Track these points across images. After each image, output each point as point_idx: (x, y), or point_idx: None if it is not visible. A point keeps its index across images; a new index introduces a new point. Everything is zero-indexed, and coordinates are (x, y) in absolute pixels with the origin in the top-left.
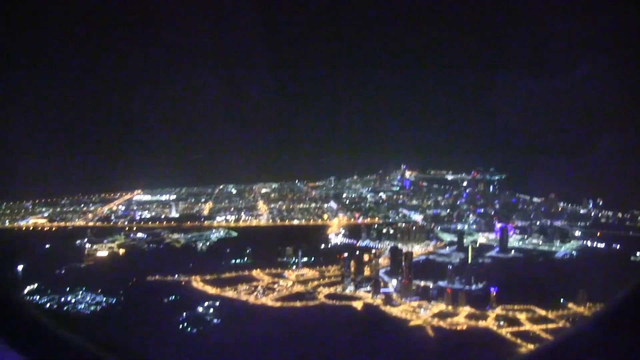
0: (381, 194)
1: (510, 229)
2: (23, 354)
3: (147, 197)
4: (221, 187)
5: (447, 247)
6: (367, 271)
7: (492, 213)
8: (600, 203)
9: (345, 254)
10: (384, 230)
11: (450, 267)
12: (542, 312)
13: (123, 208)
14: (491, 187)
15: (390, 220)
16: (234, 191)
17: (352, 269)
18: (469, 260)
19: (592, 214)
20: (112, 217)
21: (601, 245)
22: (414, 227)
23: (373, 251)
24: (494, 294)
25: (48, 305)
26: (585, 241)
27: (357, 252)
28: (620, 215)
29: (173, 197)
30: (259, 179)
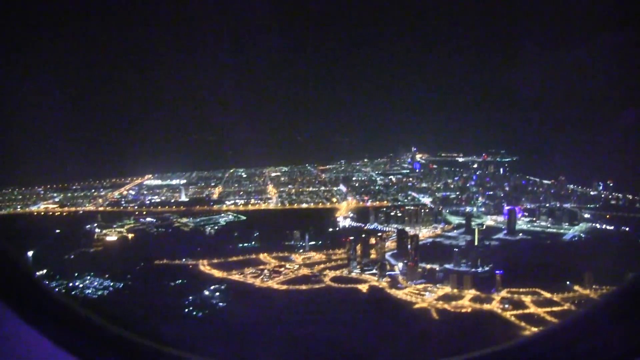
0: (391, 176)
1: (518, 212)
2: (43, 331)
3: (158, 182)
4: (231, 171)
5: (455, 230)
6: (373, 254)
7: (501, 195)
8: (611, 185)
9: (351, 237)
10: (392, 213)
11: (457, 249)
12: (548, 295)
13: (133, 193)
14: (501, 170)
15: (399, 203)
16: (244, 175)
17: (359, 252)
18: (476, 243)
19: (602, 196)
20: (122, 202)
21: (610, 227)
22: (422, 210)
23: (380, 234)
24: (499, 276)
25: (56, 290)
26: (594, 223)
27: (364, 235)
28: (630, 197)
29: (183, 181)
30: (270, 162)
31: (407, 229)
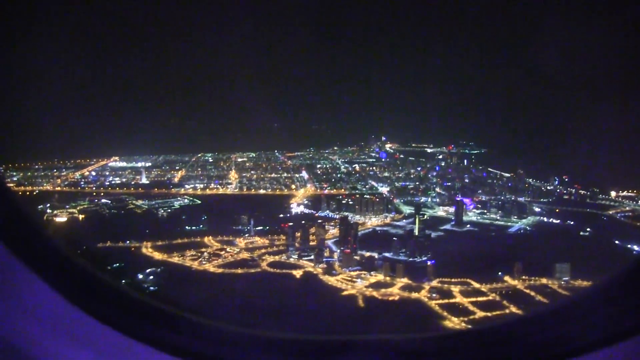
0: (356, 165)
1: (470, 204)
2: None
3: (122, 164)
4: (199, 155)
5: (404, 220)
6: (313, 241)
7: (458, 187)
8: (566, 180)
9: (291, 224)
10: (344, 201)
11: (395, 239)
12: (477, 285)
13: (94, 174)
14: (465, 161)
15: (357, 191)
16: (210, 160)
17: (299, 238)
18: (416, 233)
19: (558, 190)
20: (82, 183)
21: (557, 221)
22: (378, 199)
23: (321, 221)
24: (431, 266)
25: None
26: (542, 217)
27: (305, 222)
28: (582, 192)
29: (148, 164)
30: (240, 148)
31: (358, 217)
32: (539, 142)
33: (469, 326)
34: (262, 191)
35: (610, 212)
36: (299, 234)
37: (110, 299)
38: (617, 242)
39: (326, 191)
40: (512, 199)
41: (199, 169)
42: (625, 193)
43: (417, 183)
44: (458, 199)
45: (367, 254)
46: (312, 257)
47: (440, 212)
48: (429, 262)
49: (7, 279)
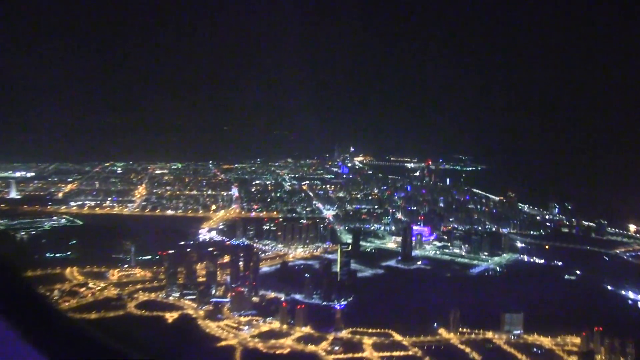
0: (307, 182)
1: (429, 234)
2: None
3: None
4: (107, 164)
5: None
6: (203, 275)
7: (425, 212)
8: (569, 208)
9: (172, 251)
10: (266, 228)
11: (308, 277)
12: (398, 338)
13: None
14: (448, 180)
15: (294, 215)
16: (119, 170)
17: (183, 272)
18: (337, 270)
19: (556, 219)
20: None
21: (540, 260)
22: (317, 225)
23: (213, 251)
24: (342, 312)
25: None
26: (523, 254)
27: (192, 252)
28: (585, 224)
29: (30, 174)
30: (165, 157)
31: (280, 246)
32: (544, 159)
33: None
34: (169, 212)
35: (618, 251)
36: (183, 267)
37: None
38: (609, 287)
39: (253, 214)
40: (490, 229)
41: (98, 182)
42: None
43: (376, 206)
44: (414, 227)
45: (272, 294)
46: (196, 296)
47: (391, 243)
48: (338, 307)
49: None
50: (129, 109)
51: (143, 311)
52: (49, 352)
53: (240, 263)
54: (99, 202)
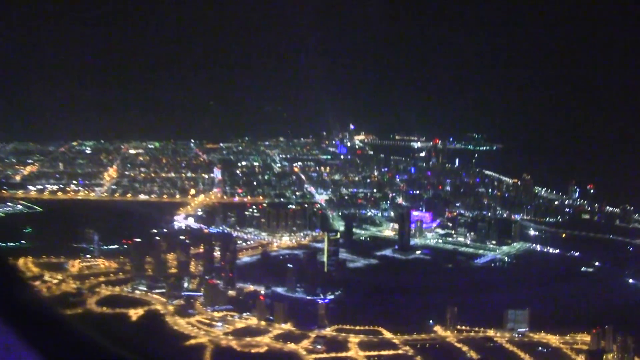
0: (299, 163)
1: (431, 221)
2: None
3: None
4: (74, 143)
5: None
6: (174, 267)
7: (428, 197)
8: (592, 192)
9: (138, 240)
10: (248, 214)
11: (291, 268)
12: (389, 336)
13: None
14: (458, 161)
15: (282, 200)
16: (88, 150)
17: (152, 263)
18: (324, 260)
19: (576, 204)
20: None
21: (556, 250)
22: (306, 211)
23: (185, 239)
24: (326, 307)
25: None
26: (536, 244)
27: (188, 241)
28: (609, 210)
29: None
30: (141, 135)
31: (264, 234)
32: (567, 137)
33: None
34: (142, 197)
35: None
36: (153, 257)
37: None
38: (631, 281)
39: (236, 198)
40: (501, 216)
41: (62, 164)
42: None
43: (375, 190)
44: (415, 213)
45: (250, 287)
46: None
47: (388, 230)
48: (321, 302)
49: None
50: (102, 81)
51: (104, 308)
52: (42, 350)
53: (217, 253)
54: (62, 186)
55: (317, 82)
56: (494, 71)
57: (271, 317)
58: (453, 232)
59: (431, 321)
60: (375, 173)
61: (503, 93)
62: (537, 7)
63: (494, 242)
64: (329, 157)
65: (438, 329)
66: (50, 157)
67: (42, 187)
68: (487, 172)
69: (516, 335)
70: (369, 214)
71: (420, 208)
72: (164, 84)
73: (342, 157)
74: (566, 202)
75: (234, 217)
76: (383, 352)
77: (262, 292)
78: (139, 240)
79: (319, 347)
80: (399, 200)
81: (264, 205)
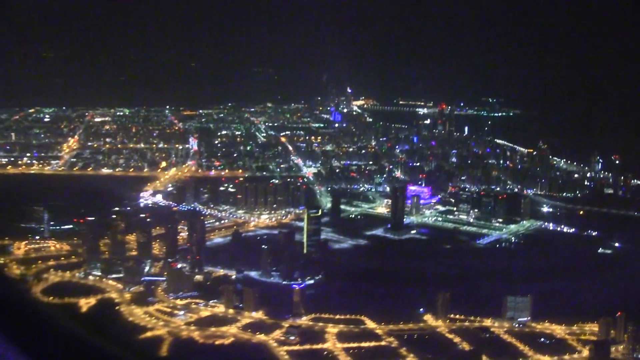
0: (287, 132)
1: (430, 196)
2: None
3: None
4: (31, 111)
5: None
6: (133, 250)
7: (430, 169)
8: (617, 163)
9: (92, 218)
10: (226, 189)
11: (265, 249)
12: (372, 325)
13: None
14: (467, 129)
15: (264, 173)
16: (47, 118)
17: (111, 244)
18: (305, 241)
19: (599, 177)
20: None
21: (571, 230)
22: (289, 186)
23: (145, 218)
24: (302, 293)
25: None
26: (548, 222)
27: (149, 220)
28: (636, 183)
29: None
30: (109, 100)
31: (240, 212)
32: (590, 102)
33: None
34: (105, 170)
35: None
36: (108, 238)
37: None
38: None
39: (213, 172)
40: (512, 190)
41: (15, 134)
42: None
43: (370, 162)
44: (412, 187)
45: (220, 271)
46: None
47: (382, 207)
48: (297, 287)
49: None
50: (66, 39)
51: (51, 297)
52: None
53: (185, 234)
54: (13, 158)
55: (313, 38)
56: (512, 26)
57: (240, 305)
58: (455, 208)
59: (421, 309)
60: (373, 143)
61: (522, 52)
62: None
63: (500, 220)
64: (322, 125)
65: (428, 317)
66: (1, 126)
67: None
68: (500, 141)
69: (516, 325)
70: (362, 189)
71: (420, 182)
72: (138, 43)
73: (336, 125)
74: (587, 174)
75: (207, 193)
76: (363, 344)
77: (233, 276)
78: (92, 219)
79: (291, 338)
80: (397, 173)
81: (241, 179)
